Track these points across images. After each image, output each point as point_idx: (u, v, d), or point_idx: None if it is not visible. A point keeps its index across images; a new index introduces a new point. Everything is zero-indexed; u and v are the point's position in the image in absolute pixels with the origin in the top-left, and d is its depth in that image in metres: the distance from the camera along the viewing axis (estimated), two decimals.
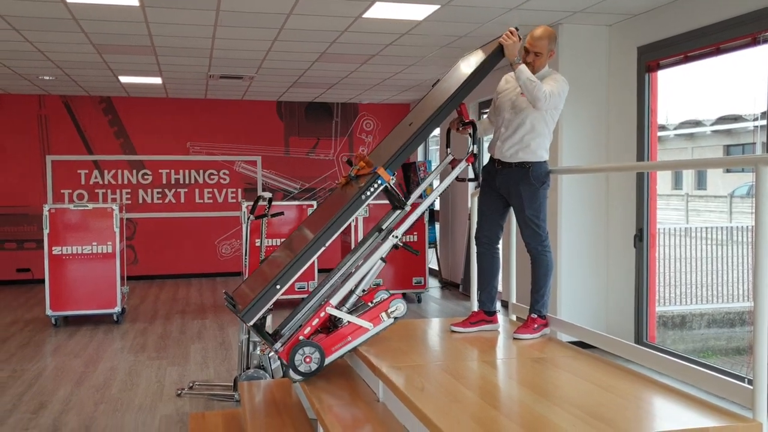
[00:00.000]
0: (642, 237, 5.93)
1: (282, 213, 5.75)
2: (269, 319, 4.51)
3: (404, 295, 8.81)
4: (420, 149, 11.49)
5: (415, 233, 8.52)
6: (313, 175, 11.56)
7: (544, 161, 3.85)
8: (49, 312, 7.30)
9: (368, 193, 3.45)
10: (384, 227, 3.71)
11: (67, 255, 7.34)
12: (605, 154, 6.32)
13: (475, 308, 4.13)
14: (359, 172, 3.65)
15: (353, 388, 3.48)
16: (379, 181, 3.47)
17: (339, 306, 3.50)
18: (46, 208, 7.29)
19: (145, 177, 10.89)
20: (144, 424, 4.46)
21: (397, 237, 3.60)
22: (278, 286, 3.30)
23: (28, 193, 10.43)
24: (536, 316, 3.87)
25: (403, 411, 2.84)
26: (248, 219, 5.21)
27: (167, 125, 10.91)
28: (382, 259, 3.60)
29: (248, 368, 4.74)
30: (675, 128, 22.58)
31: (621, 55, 6.14)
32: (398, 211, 3.68)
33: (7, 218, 10.42)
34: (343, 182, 3.86)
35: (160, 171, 10.94)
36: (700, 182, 22.96)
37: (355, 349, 3.56)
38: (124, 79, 8.99)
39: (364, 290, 3.65)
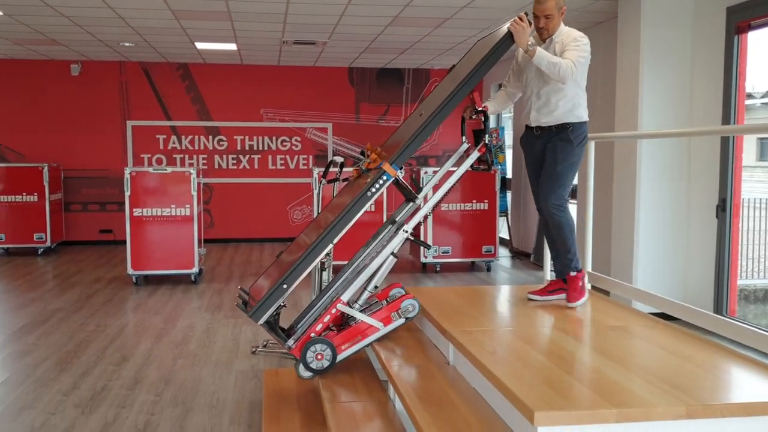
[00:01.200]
0: (725, 207, 5.70)
1: None
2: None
3: (473, 264, 8.81)
4: (492, 117, 11.29)
5: (485, 201, 8.34)
6: (383, 142, 11.51)
7: (585, 122, 3.75)
8: (130, 271, 7.60)
9: (374, 190, 3.43)
10: (397, 220, 3.66)
11: (147, 217, 7.59)
12: (688, 119, 6.06)
13: (551, 277, 4.07)
14: (370, 166, 3.61)
15: (423, 351, 3.50)
16: (385, 177, 3.44)
17: (351, 303, 3.51)
18: (127, 172, 7.55)
19: (221, 143, 11.13)
20: (220, 378, 4.62)
21: (407, 231, 3.57)
22: (285, 286, 3.36)
23: (110, 157, 10.82)
24: (574, 273, 3.80)
25: (474, 374, 2.84)
26: (320, 184, 5.26)
27: (241, 92, 11.08)
28: (393, 254, 3.57)
29: None
30: (762, 96, 21.45)
31: (708, 16, 5.85)
32: (411, 204, 3.64)
33: (91, 181, 10.85)
34: (355, 175, 3.82)
35: (234, 137, 11.15)
36: None
37: (425, 312, 3.57)
38: (200, 46, 9.16)
39: (376, 286, 3.62)
